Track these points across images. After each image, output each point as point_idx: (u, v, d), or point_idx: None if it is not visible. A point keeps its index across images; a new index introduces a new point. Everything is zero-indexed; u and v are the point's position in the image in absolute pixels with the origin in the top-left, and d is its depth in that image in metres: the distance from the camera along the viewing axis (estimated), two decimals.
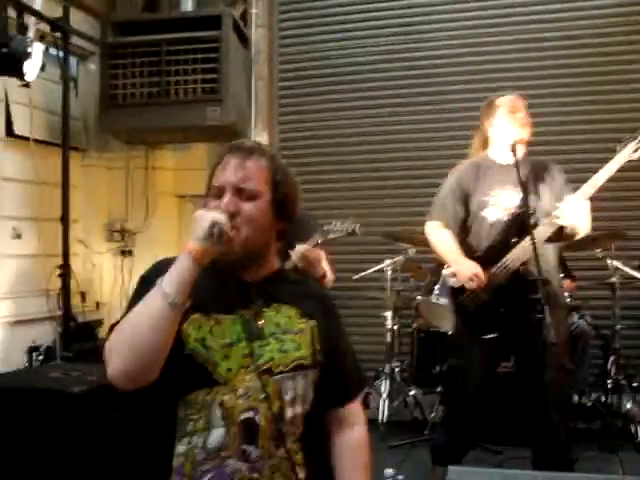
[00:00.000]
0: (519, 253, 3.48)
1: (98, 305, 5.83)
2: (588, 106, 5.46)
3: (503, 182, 3.61)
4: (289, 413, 1.79)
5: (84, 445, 2.98)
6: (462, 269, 3.58)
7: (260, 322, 1.80)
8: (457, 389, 4.00)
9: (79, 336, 5.07)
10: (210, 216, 1.68)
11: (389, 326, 5.11)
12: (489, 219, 3.62)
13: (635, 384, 4.80)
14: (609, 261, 4.77)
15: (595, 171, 3.32)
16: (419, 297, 4.87)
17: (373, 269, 5.16)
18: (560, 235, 3.50)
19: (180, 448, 1.74)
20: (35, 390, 3.13)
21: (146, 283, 1.77)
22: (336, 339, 1.95)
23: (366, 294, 5.35)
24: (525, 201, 3.49)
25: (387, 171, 5.79)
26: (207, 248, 1.67)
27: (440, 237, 3.75)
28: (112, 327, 1.73)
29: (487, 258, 3.58)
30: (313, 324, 1.88)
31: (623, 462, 4.32)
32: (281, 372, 1.79)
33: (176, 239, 6.11)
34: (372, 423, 4.77)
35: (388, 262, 5.04)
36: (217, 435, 1.72)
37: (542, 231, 3.44)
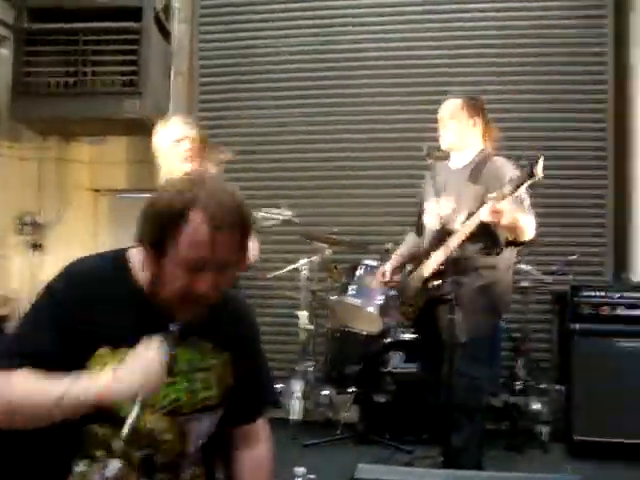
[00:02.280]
0: (431, 262, 3.55)
1: (6, 300, 5.63)
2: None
3: (441, 189, 3.63)
4: (191, 449, 1.76)
5: None
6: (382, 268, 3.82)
7: (171, 360, 1.65)
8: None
9: None
10: (140, 394, 1.54)
11: (304, 326, 5.10)
12: (427, 225, 3.72)
13: (542, 386, 4.92)
14: (520, 265, 4.86)
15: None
16: (334, 297, 4.88)
17: (289, 268, 5.14)
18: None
19: (77, 468, 1.68)
20: None
21: (52, 298, 1.68)
22: (251, 360, 1.90)
23: (281, 293, 5.33)
24: (454, 213, 3.55)
25: (305, 171, 5.80)
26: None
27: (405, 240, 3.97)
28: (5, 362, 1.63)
29: (416, 262, 3.72)
30: (226, 357, 1.82)
31: (530, 462, 4.43)
32: (187, 413, 1.74)
33: (90, 233, 5.98)
34: (285, 422, 4.78)
35: (304, 261, 5.03)
36: (115, 467, 1.67)
37: (455, 238, 3.45)
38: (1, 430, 1.61)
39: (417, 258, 3.73)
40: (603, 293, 4.68)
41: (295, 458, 3.73)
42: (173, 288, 1.63)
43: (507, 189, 3.23)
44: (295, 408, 4.86)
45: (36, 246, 5.92)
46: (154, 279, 1.66)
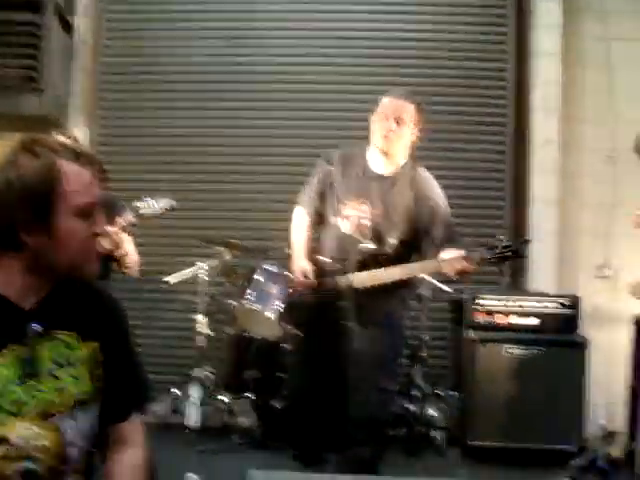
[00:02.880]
0: (363, 279, 3.43)
1: None
2: None
3: (363, 195, 3.55)
4: (72, 453, 1.67)
5: None
6: (296, 265, 3.63)
7: (33, 360, 1.61)
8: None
9: None
10: None
11: (201, 330, 5.03)
12: (341, 229, 3.57)
13: (439, 392, 5.01)
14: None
15: None
16: (233, 302, 4.83)
17: (187, 272, 5.04)
18: None
19: None
20: None
21: None
22: (120, 353, 1.82)
23: (179, 297, 5.25)
24: (380, 228, 3.51)
25: (204, 173, 5.73)
26: None
27: (295, 225, 3.75)
28: None
29: (328, 268, 3.58)
30: (95, 346, 1.74)
31: (427, 466, 4.52)
32: (60, 412, 1.64)
33: None
34: (181, 428, 4.71)
35: (202, 265, 4.96)
36: None
37: (398, 272, 3.45)
38: None
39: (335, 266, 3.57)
40: (497, 302, 4.80)
41: (191, 464, 3.69)
42: (76, 243, 1.61)
43: (485, 255, 3.38)
44: (192, 414, 4.78)
45: None
46: (44, 252, 1.60)
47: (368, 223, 3.51)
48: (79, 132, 5.32)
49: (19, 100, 5.08)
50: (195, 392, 4.85)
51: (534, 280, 5.42)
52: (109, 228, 3.28)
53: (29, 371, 1.60)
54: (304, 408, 3.80)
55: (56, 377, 1.65)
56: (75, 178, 1.60)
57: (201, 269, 4.93)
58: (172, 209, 3.63)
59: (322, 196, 3.69)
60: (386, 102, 3.58)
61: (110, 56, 5.84)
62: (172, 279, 5.00)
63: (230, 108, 5.74)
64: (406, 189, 3.57)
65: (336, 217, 3.60)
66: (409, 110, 3.56)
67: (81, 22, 5.70)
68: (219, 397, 4.98)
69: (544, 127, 5.47)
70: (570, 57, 5.46)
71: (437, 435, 4.80)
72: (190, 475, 2.03)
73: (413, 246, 3.60)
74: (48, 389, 1.63)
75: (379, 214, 3.53)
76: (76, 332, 1.70)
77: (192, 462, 4.12)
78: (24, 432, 1.59)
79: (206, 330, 5.02)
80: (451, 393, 5.06)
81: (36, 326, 1.62)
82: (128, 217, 3.42)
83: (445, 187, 5.36)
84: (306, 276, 3.56)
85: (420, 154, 5.25)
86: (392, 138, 3.53)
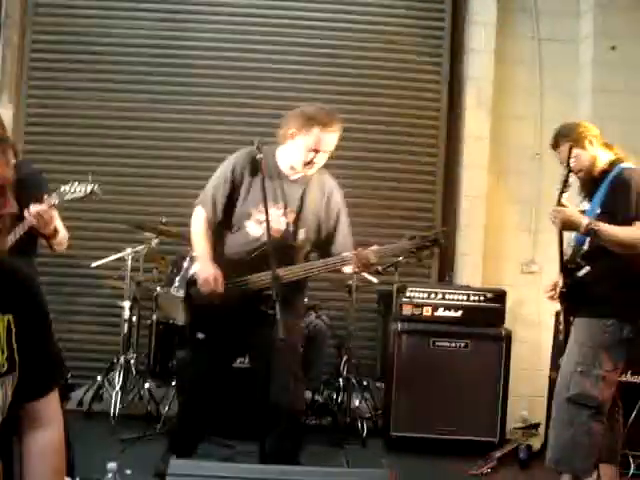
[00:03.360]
0: (264, 279, 3.43)
1: None
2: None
3: (276, 198, 3.56)
4: None
5: None
6: (203, 268, 3.54)
7: None
8: (186, 382, 4.00)
9: None
10: None
11: (126, 317, 4.95)
12: (250, 233, 3.56)
13: (365, 383, 5.05)
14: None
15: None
16: (159, 288, 4.78)
17: (113, 257, 4.95)
18: None
19: None
20: None
21: None
22: (36, 328, 1.77)
23: (104, 283, 5.16)
24: (292, 230, 3.57)
25: (134, 158, 5.62)
26: None
27: (199, 225, 3.65)
28: None
29: (233, 269, 3.54)
30: (9, 318, 1.69)
31: (349, 456, 4.51)
32: None
33: None
34: (104, 416, 4.66)
35: (129, 251, 4.88)
36: None
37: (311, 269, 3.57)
38: None
39: (241, 267, 3.56)
40: (425, 295, 4.84)
41: (113, 453, 3.63)
42: None
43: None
44: (115, 401, 4.72)
45: None
46: None
47: (282, 226, 3.56)
48: (5, 110, 5.14)
49: None
50: (118, 379, 4.79)
51: (462, 274, 5.50)
52: (37, 206, 3.21)
53: None
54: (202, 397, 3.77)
55: None
56: None
57: (128, 255, 4.85)
58: (94, 194, 3.55)
59: (229, 199, 3.62)
60: (329, 133, 3.49)
61: (38, 33, 5.66)
62: (96, 264, 4.92)
63: (163, 90, 5.65)
64: (318, 193, 3.65)
65: (246, 221, 3.58)
66: (336, 140, 3.55)
67: None
68: (143, 385, 4.93)
69: (475, 123, 5.54)
70: (503, 55, 5.54)
71: (361, 425, 4.83)
72: (111, 464, 2.00)
73: (316, 246, 3.75)
74: None
75: (293, 216, 3.60)
76: None
77: (114, 450, 4.07)
78: None
79: (132, 317, 4.95)
80: (377, 384, 5.10)
81: None
82: (54, 197, 3.34)
83: (377, 179, 5.47)
84: (214, 281, 3.49)
85: (355, 146, 5.35)
86: (313, 168, 3.57)
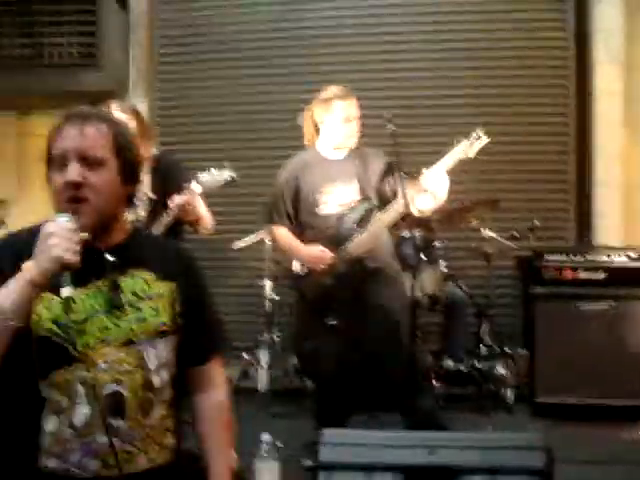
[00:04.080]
0: (361, 240, 3.70)
1: None
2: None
3: (333, 178, 3.79)
4: (156, 381, 1.78)
5: None
6: (306, 252, 3.79)
7: (116, 291, 1.76)
8: (315, 372, 4.17)
9: None
10: (61, 259, 1.57)
11: (268, 295, 5.11)
12: (325, 215, 3.78)
13: (507, 350, 4.97)
14: (483, 231, 4.91)
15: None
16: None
17: (252, 238, 5.11)
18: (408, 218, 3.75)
19: (47, 427, 1.69)
20: None
21: None
22: (197, 297, 1.93)
23: (245, 263, 5.32)
24: (364, 195, 3.76)
25: (267, 140, 5.73)
26: (49, 282, 1.60)
27: (283, 236, 3.92)
28: None
29: (329, 249, 3.75)
30: (172, 286, 1.85)
31: (495, 424, 4.47)
32: (142, 341, 1.76)
33: (51, 208, 5.89)
34: (252, 392, 4.82)
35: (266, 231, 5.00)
36: (82, 412, 1.69)
37: (386, 217, 3.69)
38: None
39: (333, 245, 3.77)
40: (565, 257, 4.73)
41: (263, 427, 3.76)
42: (56, 194, 1.74)
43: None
44: (262, 378, 4.88)
45: None
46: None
47: (347, 199, 3.79)
48: (139, 105, 5.38)
49: (80, 77, 5.18)
50: (265, 356, 4.94)
51: (600, 235, 5.33)
52: (178, 197, 3.39)
53: (112, 302, 1.75)
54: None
55: (137, 308, 1.78)
56: (57, 135, 1.75)
57: (265, 235, 4.99)
58: (233, 180, 3.70)
59: (293, 203, 3.87)
60: (345, 105, 3.81)
61: (166, 29, 5.89)
62: (237, 245, 5.10)
63: (289, 73, 5.75)
64: (361, 163, 3.85)
65: (317, 207, 3.80)
66: (356, 109, 3.84)
67: None
68: (289, 361, 5.06)
69: (606, 78, 5.33)
70: (633, 3, 5.30)
71: (506, 393, 4.79)
72: (265, 435, 2.09)
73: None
74: (130, 319, 1.76)
75: (355, 187, 3.80)
76: (153, 272, 1.83)
77: (264, 424, 4.21)
78: (111, 357, 1.72)
79: (273, 295, 5.10)
80: (519, 350, 5.04)
81: (110, 257, 1.76)
82: (195, 185, 3.49)
83: (508, 143, 5.34)
84: (319, 255, 3.74)
85: (485, 111, 5.28)
86: (352, 134, 3.82)
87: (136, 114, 3.75)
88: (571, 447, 3.63)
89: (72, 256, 1.58)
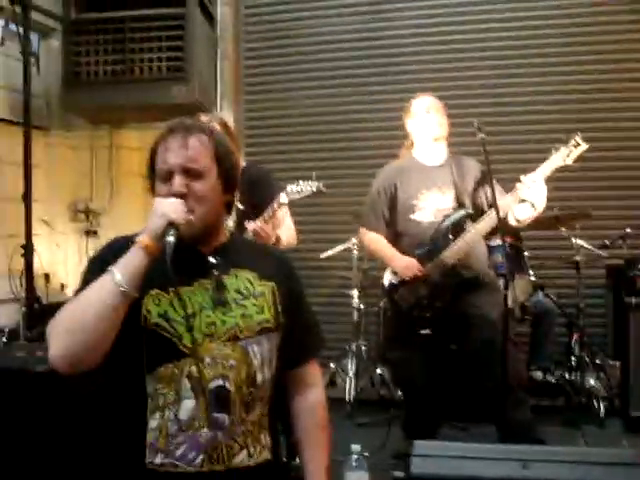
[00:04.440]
0: (456, 249, 3.67)
1: (63, 286, 5.75)
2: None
3: (428, 185, 3.79)
4: (259, 378, 1.82)
5: (49, 422, 2.96)
6: (398, 262, 3.79)
7: (221, 289, 1.82)
8: (404, 382, 4.17)
9: (43, 318, 4.97)
10: (169, 216, 1.68)
11: (355, 305, 5.13)
12: (421, 221, 3.78)
13: (598, 361, 4.87)
14: (574, 240, 4.82)
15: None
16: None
17: (339, 248, 5.16)
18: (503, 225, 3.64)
19: (153, 423, 1.75)
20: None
21: (98, 263, 1.78)
22: (296, 299, 1.98)
23: (333, 273, 5.35)
24: (459, 202, 3.75)
25: (353, 150, 5.79)
26: (161, 246, 1.67)
27: (373, 241, 3.96)
28: (57, 310, 1.72)
29: (423, 257, 3.76)
30: (273, 286, 1.90)
31: (586, 437, 4.38)
32: (246, 337, 1.81)
33: (141, 219, 6.02)
34: (339, 402, 4.81)
35: (354, 240, 5.03)
36: (188, 406, 1.74)
37: (482, 226, 3.65)
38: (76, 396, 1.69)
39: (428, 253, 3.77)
40: None
41: (350, 437, 3.76)
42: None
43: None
44: (349, 387, 4.89)
45: (89, 232, 6.04)
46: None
47: (443, 205, 3.78)
48: (227, 117, 5.49)
49: (168, 90, 5.29)
50: (351, 366, 4.96)
51: None
52: (254, 224, 3.42)
53: (218, 299, 1.81)
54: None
55: (242, 305, 1.84)
56: (162, 148, 1.81)
57: (353, 244, 5.02)
58: (320, 192, 3.73)
59: (390, 209, 3.90)
60: (421, 100, 3.92)
61: (251, 42, 6.03)
62: (324, 254, 5.14)
63: (373, 82, 5.77)
64: (458, 170, 3.83)
65: (412, 214, 3.80)
66: (433, 100, 3.91)
67: (221, 11, 5.91)
68: (375, 370, 5.07)
69: None
70: None
71: (597, 406, 4.66)
72: (355, 445, 2.08)
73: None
74: (236, 315, 1.82)
75: (451, 194, 3.79)
76: (255, 272, 1.89)
77: (352, 435, 4.22)
78: (217, 352, 1.77)
79: (360, 304, 5.11)
80: (611, 362, 4.91)
81: (213, 259, 1.84)
82: (282, 197, 3.52)
83: (602, 150, 5.21)
84: (413, 264, 3.74)
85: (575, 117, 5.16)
86: (430, 127, 3.84)
87: (224, 126, 3.82)
88: None
89: (178, 215, 1.69)
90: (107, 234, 5.94)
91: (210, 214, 1.82)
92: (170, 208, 1.70)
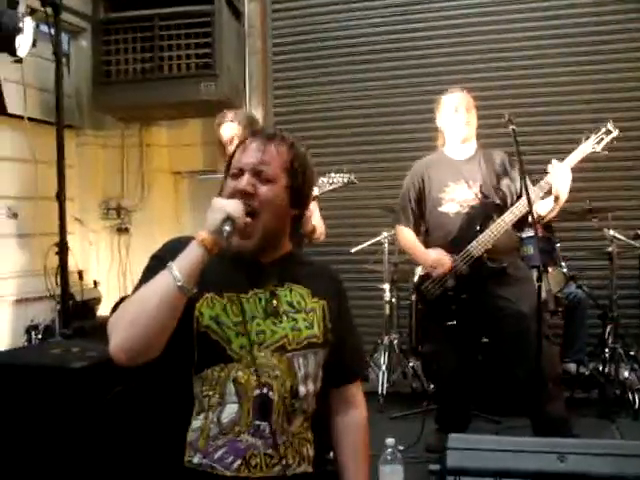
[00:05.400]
0: (483, 241, 3.71)
1: (96, 283, 5.82)
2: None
3: (456, 177, 3.83)
4: (302, 390, 1.84)
5: (85, 419, 2.99)
6: (427, 259, 3.85)
7: (274, 301, 1.86)
8: (435, 375, 4.26)
9: (77, 314, 5.04)
10: (226, 209, 1.70)
11: (387, 298, 5.13)
12: (448, 213, 3.83)
13: (632, 353, 4.82)
14: (606, 230, 4.78)
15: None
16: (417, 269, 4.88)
17: (370, 242, 5.16)
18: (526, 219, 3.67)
19: (195, 423, 1.77)
20: (36, 366, 3.12)
21: (158, 261, 1.81)
22: (344, 319, 2.00)
23: (364, 267, 5.35)
24: (485, 194, 3.78)
25: (383, 144, 5.78)
26: (218, 240, 1.69)
27: (406, 237, 4.01)
28: (118, 303, 1.76)
29: (450, 249, 3.80)
30: (324, 304, 1.92)
31: (621, 429, 4.36)
32: (294, 349, 1.83)
33: (172, 216, 6.12)
34: (371, 395, 4.78)
35: (385, 234, 5.04)
36: (231, 411, 1.76)
37: (509, 217, 3.68)
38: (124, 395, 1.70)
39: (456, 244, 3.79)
40: None
41: (383, 430, 3.77)
42: (226, 195, 1.84)
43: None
44: (381, 380, 4.90)
45: (121, 230, 6.10)
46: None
47: (469, 197, 3.80)
48: (256, 112, 5.51)
49: (198, 87, 5.32)
50: (384, 359, 4.97)
51: None
52: None
53: (271, 310, 1.84)
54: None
55: (293, 318, 1.87)
56: (240, 149, 1.89)
57: (384, 238, 5.03)
58: (352, 183, 3.75)
59: (418, 203, 3.97)
60: (451, 97, 3.94)
61: (279, 37, 6.03)
62: (355, 249, 5.15)
63: (404, 76, 5.76)
64: (487, 164, 3.87)
65: (440, 207, 3.85)
66: (466, 98, 3.94)
67: (249, 7, 5.92)
68: (407, 363, 5.08)
69: None
70: None
71: (632, 397, 4.62)
72: (389, 439, 2.09)
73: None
74: (286, 327, 1.85)
75: (477, 187, 3.81)
76: (309, 289, 1.92)
77: (386, 428, 4.22)
78: (264, 361, 1.79)
79: (392, 298, 5.11)
80: None
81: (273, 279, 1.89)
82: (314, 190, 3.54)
83: (634, 139, 5.15)
84: (441, 261, 3.79)
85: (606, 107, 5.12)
86: (460, 126, 3.87)
87: (252, 122, 3.85)
88: None
89: (236, 212, 1.71)
90: (139, 231, 6.01)
91: (272, 221, 1.84)
92: (229, 204, 1.73)
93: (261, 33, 5.97)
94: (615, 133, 3.59)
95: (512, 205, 3.73)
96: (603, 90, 5.41)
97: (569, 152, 3.63)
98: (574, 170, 3.59)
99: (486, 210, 3.76)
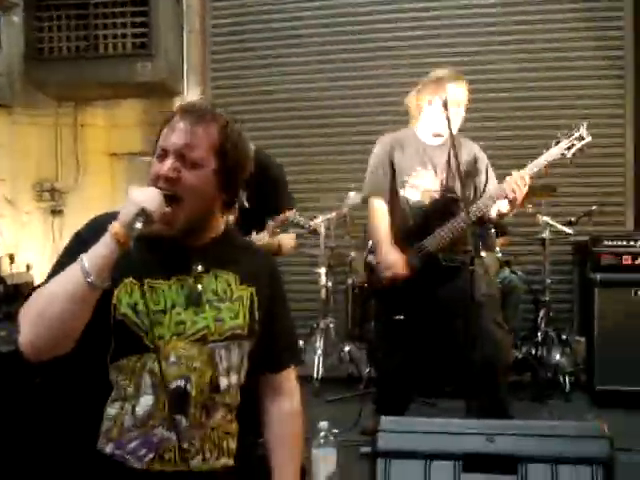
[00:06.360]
0: (439, 237, 3.55)
1: (28, 267, 5.68)
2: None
3: (424, 163, 3.67)
4: (223, 383, 1.77)
5: (12, 403, 2.93)
6: (387, 258, 3.62)
7: (197, 288, 1.77)
8: (379, 366, 4.11)
9: (9, 298, 4.93)
10: (140, 203, 1.59)
11: (323, 283, 5.13)
12: (409, 200, 3.67)
13: (564, 337, 4.93)
14: (540, 217, 4.85)
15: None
16: (353, 253, 4.89)
17: (307, 225, 5.12)
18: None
19: (110, 411, 1.70)
20: None
21: (77, 243, 1.73)
22: (275, 305, 1.92)
23: (300, 251, 5.33)
24: (448, 187, 3.62)
25: (321, 128, 5.76)
26: (131, 235, 1.59)
27: (379, 220, 3.73)
28: (31, 291, 1.68)
29: (406, 239, 3.64)
30: (252, 290, 1.84)
31: (553, 411, 4.45)
32: (215, 341, 1.76)
33: (108, 198, 6.00)
34: (307, 379, 4.80)
35: (322, 218, 5.01)
36: (146, 403, 1.69)
37: (468, 217, 3.47)
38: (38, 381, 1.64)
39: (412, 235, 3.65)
40: (624, 242, 4.64)
41: (318, 414, 3.77)
42: (149, 181, 1.72)
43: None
44: (317, 364, 4.90)
45: (55, 212, 5.97)
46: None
47: (435, 186, 3.65)
48: (193, 94, 5.44)
49: (134, 67, 5.23)
50: (319, 343, 4.97)
51: None
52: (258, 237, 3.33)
53: (193, 299, 1.75)
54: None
55: (216, 308, 1.78)
56: (169, 127, 1.74)
57: (320, 222, 4.99)
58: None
59: (390, 173, 3.73)
60: (456, 91, 3.59)
61: (218, 17, 5.94)
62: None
63: (341, 59, 5.74)
64: (464, 155, 3.67)
65: (402, 190, 3.68)
66: (466, 92, 3.65)
67: None
68: (343, 348, 5.09)
69: None
70: None
71: (563, 380, 4.73)
72: (322, 423, 2.09)
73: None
74: (208, 317, 1.76)
75: (443, 176, 3.67)
76: (237, 275, 1.83)
77: (320, 412, 4.22)
78: (182, 352, 1.72)
79: (328, 282, 5.11)
80: (577, 337, 4.98)
81: (196, 259, 1.79)
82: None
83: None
84: (395, 269, 3.58)
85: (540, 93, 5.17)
86: (456, 121, 3.58)
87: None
88: (632, 436, 3.56)
89: (152, 205, 1.61)
90: (73, 213, 5.89)
91: (197, 208, 1.73)
92: (145, 196, 1.62)
93: (200, 12, 5.87)
94: (588, 139, 3.48)
95: (475, 198, 3.62)
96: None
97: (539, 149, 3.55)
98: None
99: (447, 205, 3.62)
